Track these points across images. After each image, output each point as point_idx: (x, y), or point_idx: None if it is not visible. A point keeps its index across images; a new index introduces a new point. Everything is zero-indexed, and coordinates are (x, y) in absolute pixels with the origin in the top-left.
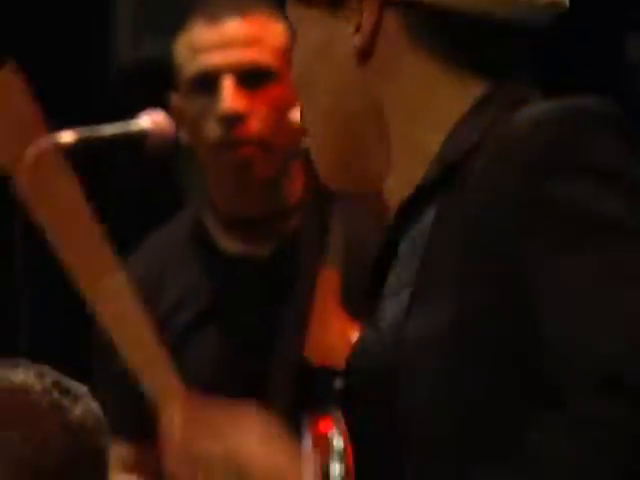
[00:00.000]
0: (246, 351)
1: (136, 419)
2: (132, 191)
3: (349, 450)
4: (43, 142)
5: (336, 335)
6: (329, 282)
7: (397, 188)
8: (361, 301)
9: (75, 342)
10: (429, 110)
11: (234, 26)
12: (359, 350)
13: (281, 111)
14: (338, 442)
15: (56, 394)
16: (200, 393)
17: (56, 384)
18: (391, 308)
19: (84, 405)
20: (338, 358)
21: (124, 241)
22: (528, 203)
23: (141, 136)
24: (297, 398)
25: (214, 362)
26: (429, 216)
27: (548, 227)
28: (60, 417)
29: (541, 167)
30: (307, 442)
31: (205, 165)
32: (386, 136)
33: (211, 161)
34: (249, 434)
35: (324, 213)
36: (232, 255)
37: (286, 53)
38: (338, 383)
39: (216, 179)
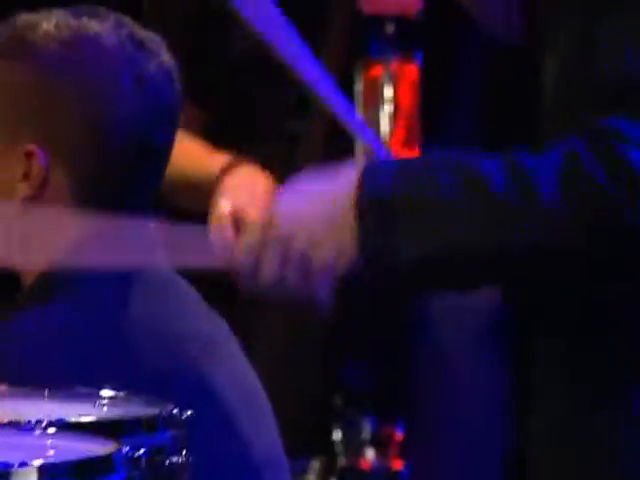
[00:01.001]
0: None
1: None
2: None
3: (400, 93)
4: None
5: None
6: None
7: None
8: None
9: None
10: None
11: None
12: None
13: None
14: (387, 86)
15: (130, 48)
16: None
17: (132, 36)
18: None
19: (158, 61)
20: (389, 5)
21: None
22: None
23: None
24: (350, 45)
25: None
26: None
27: None
28: (133, 72)
29: None
30: (359, 87)
31: None
32: None
33: None
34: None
35: None
36: None
37: None
38: (389, 28)
39: None
